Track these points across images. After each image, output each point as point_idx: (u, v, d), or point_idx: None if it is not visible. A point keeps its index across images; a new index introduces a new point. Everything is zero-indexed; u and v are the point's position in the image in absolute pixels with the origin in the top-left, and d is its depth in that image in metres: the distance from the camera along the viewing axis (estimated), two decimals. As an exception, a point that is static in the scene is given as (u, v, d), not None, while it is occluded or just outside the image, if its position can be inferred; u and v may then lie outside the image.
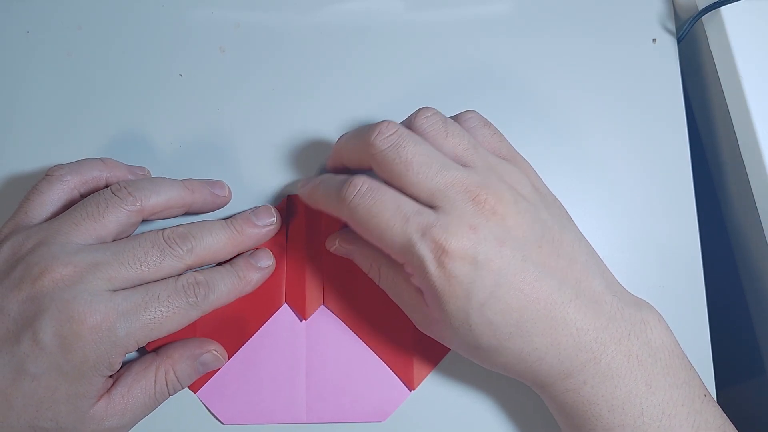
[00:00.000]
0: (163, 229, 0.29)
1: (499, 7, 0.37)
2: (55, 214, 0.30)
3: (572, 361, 0.26)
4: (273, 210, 0.32)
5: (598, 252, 0.29)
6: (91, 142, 0.35)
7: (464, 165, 0.27)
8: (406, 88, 0.35)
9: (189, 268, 0.29)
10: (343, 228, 0.32)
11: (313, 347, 0.32)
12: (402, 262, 0.27)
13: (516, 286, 0.25)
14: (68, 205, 0.30)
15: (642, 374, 0.26)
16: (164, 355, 0.29)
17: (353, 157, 0.30)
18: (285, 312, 0.32)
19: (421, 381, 0.31)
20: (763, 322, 0.38)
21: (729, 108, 0.34)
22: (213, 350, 0.30)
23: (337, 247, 0.31)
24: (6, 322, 0.26)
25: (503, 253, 0.25)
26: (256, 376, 0.31)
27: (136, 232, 0.30)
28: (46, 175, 0.30)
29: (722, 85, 0.34)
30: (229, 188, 0.33)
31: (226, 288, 0.29)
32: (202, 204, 0.32)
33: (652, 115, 0.35)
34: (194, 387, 0.31)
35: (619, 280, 0.29)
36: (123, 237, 0.29)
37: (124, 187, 0.29)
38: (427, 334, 0.29)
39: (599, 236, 0.31)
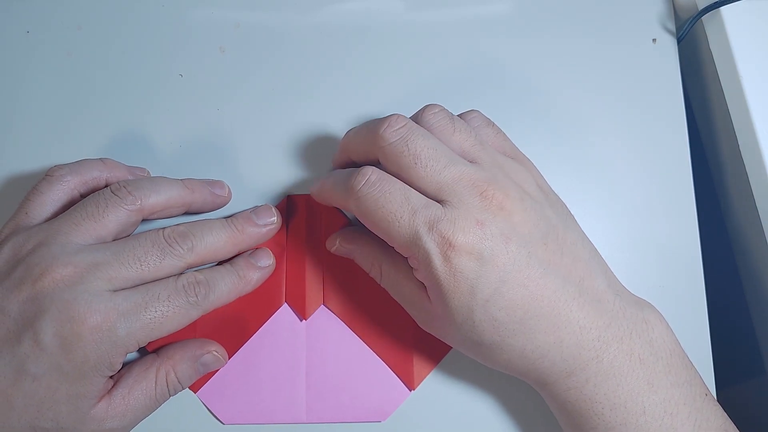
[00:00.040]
0: (164, 228, 0.29)
1: (499, 7, 0.37)
2: (55, 215, 0.30)
3: (574, 360, 0.26)
4: (273, 209, 0.32)
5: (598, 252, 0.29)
6: (91, 142, 0.35)
7: (471, 161, 0.27)
8: (406, 88, 0.35)
9: (189, 267, 0.29)
10: (343, 228, 0.32)
11: (313, 347, 0.32)
12: (407, 255, 0.27)
13: (521, 282, 0.25)
14: (68, 206, 0.30)
15: (644, 373, 0.26)
16: (165, 356, 0.29)
17: (360, 149, 0.29)
18: (285, 312, 0.32)
19: (422, 381, 0.31)
20: (763, 322, 0.38)
21: (729, 108, 0.34)
22: (213, 351, 0.30)
23: (337, 248, 0.31)
24: (7, 322, 0.26)
25: (509, 249, 0.25)
26: (256, 376, 0.31)
27: (136, 231, 0.30)
28: (46, 176, 0.30)
29: (722, 85, 0.34)
30: (229, 188, 0.33)
31: (227, 287, 0.29)
32: (202, 203, 0.32)
33: (652, 115, 0.35)
34: (194, 387, 0.31)
35: (619, 280, 0.29)
36: (123, 236, 0.29)
37: (124, 187, 0.29)
38: (429, 332, 0.29)
39: (599, 236, 0.31)
